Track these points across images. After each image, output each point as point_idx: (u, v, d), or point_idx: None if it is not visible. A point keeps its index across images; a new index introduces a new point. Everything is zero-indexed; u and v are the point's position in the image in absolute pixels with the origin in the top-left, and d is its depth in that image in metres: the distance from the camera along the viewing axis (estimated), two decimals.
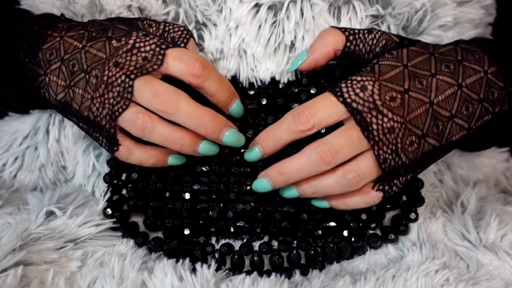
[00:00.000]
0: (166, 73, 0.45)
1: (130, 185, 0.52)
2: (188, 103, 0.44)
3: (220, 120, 0.45)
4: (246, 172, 0.49)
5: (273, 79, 0.52)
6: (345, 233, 0.50)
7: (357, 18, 0.51)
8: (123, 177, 0.53)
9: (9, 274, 0.40)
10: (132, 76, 0.44)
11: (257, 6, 0.50)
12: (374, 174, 0.44)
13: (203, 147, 0.46)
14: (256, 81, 0.52)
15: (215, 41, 0.51)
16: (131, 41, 0.45)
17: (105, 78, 0.44)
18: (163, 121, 0.44)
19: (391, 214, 0.52)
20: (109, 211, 0.50)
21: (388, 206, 0.52)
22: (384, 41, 0.48)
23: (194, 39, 0.49)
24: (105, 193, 0.51)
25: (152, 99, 0.43)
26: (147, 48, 0.45)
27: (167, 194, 0.50)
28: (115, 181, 0.52)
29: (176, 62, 0.44)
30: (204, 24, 0.51)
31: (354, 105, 0.43)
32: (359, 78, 0.44)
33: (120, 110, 0.44)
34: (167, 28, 0.49)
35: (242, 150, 0.49)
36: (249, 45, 0.50)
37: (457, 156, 0.59)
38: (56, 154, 0.55)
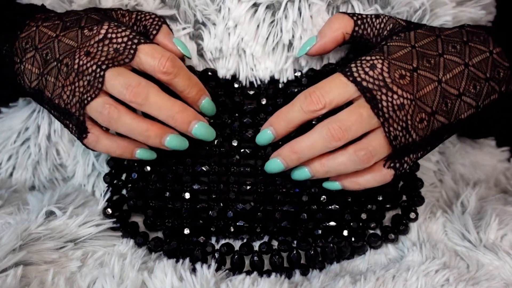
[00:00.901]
0: (137, 67, 0.46)
1: (130, 185, 0.52)
2: (159, 95, 0.45)
3: (189, 113, 0.46)
4: (246, 171, 0.49)
5: (272, 78, 0.52)
6: (345, 233, 0.50)
7: None
8: (123, 177, 0.53)
9: (9, 274, 0.40)
10: (104, 67, 0.45)
11: (255, 5, 0.50)
12: (385, 151, 0.44)
13: (170, 140, 0.47)
14: (256, 80, 0.52)
15: (214, 40, 0.51)
16: (103, 31, 0.46)
17: (75, 67, 0.45)
18: (130, 113, 0.46)
19: (391, 214, 0.52)
20: (109, 211, 0.50)
21: (388, 206, 0.52)
22: (391, 25, 0.49)
23: (168, 25, 0.50)
24: (105, 193, 0.51)
25: (124, 90, 0.45)
26: (119, 40, 0.46)
27: (167, 194, 0.50)
28: (115, 181, 0.52)
29: (148, 58, 0.46)
30: (203, 24, 0.51)
31: (364, 83, 0.44)
32: (368, 58, 0.45)
33: (89, 98, 0.45)
34: (139, 17, 0.50)
35: (242, 150, 0.49)
36: (248, 44, 0.50)
37: (459, 153, 0.59)
38: (50, 151, 0.56)
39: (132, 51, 0.46)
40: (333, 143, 0.44)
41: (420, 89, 0.44)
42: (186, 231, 0.50)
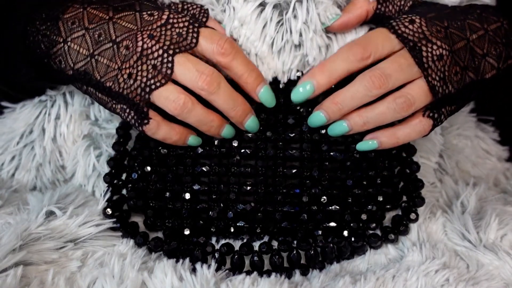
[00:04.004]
0: (198, 52, 0.47)
1: (130, 185, 0.52)
2: (228, 86, 0.47)
3: (247, 106, 0.48)
4: (246, 172, 0.49)
5: (274, 79, 0.51)
6: (345, 233, 0.50)
7: None
8: (123, 177, 0.53)
9: (9, 274, 0.40)
10: (171, 52, 0.45)
11: (262, 5, 0.50)
12: (424, 100, 0.46)
13: (226, 130, 0.48)
14: None
15: None
16: (164, 16, 0.47)
17: (138, 49, 0.45)
18: (201, 104, 0.46)
19: (391, 215, 0.52)
20: (109, 211, 0.50)
21: (388, 206, 0.52)
22: (411, 2, 0.51)
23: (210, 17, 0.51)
24: (105, 193, 0.51)
25: (197, 78, 0.45)
26: (181, 25, 0.47)
27: (167, 194, 0.50)
28: (115, 181, 0.52)
29: (207, 41, 0.46)
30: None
31: (405, 35, 0.46)
32: (405, 16, 0.48)
33: (158, 84, 0.45)
34: (185, 7, 0.51)
35: (243, 150, 0.49)
36: (254, 44, 0.50)
37: (461, 146, 0.59)
38: (54, 153, 0.55)
39: (195, 35, 0.46)
40: (374, 91, 0.45)
41: (454, 43, 0.47)
42: (186, 231, 0.50)
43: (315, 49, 0.50)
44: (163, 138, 0.48)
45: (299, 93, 0.48)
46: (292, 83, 0.51)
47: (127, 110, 0.47)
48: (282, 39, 0.50)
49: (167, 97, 0.45)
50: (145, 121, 0.46)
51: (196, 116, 0.46)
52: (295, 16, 0.49)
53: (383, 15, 0.51)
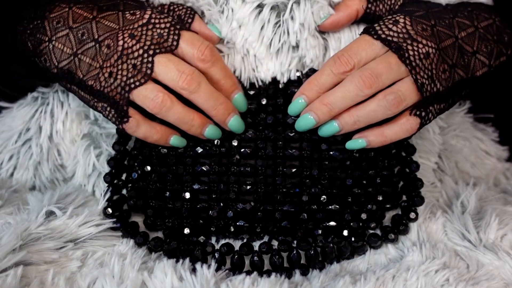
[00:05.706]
0: (179, 54, 0.47)
1: (130, 185, 0.52)
2: (208, 85, 0.47)
3: (229, 105, 0.48)
4: (246, 171, 0.49)
5: (274, 79, 0.52)
6: (345, 233, 0.50)
7: None
8: (123, 177, 0.53)
9: (9, 274, 0.40)
10: (151, 52, 0.46)
11: (260, 6, 0.50)
12: (413, 97, 0.46)
13: (209, 130, 0.48)
14: (257, 81, 0.51)
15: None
16: (146, 16, 0.47)
17: (119, 49, 0.46)
18: (180, 102, 0.47)
19: (391, 214, 0.52)
20: (109, 210, 0.50)
21: (388, 206, 0.52)
22: (401, 0, 0.52)
23: (199, 16, 0.51)
24: (105, 193, 0.51)
25: (177, 77, 0.45)
26: (162, 25, 0.47)
27: (167, 193, 0.50)
28: (115, 181, 0.52)
29: (188, 45, 0.47)
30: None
31: (389, 38, 0.47)
32: (390, 17, 0.48)
33: (137, 83, 0.46)
34: (172, 8, 0.51)
35: (242, 150, 0.49)
36: (252, 45, 0.50)
37: (460, 146, 0.59)
38: (51, 152, 0.56)
39: (176, 37, 0.47)
40: (365, 90, 0.45)
41: (441, 41, 0.47)
42: (186, 231, 0.50)
43: (311, 49, 0.50)
44: (144, 136, 0.48)
45: (293, 109, 0.49)
46: (291, 83, 0.51)
47: (108, 108, 0.47)
48: (280, 40, 0.50)
49: (146, 95, 0.46)
50: (125, 119, 0.47)
51: (176, 114, 0.46)
52: (292, 18, 0.49)
53: (373, 14, 0.51)
